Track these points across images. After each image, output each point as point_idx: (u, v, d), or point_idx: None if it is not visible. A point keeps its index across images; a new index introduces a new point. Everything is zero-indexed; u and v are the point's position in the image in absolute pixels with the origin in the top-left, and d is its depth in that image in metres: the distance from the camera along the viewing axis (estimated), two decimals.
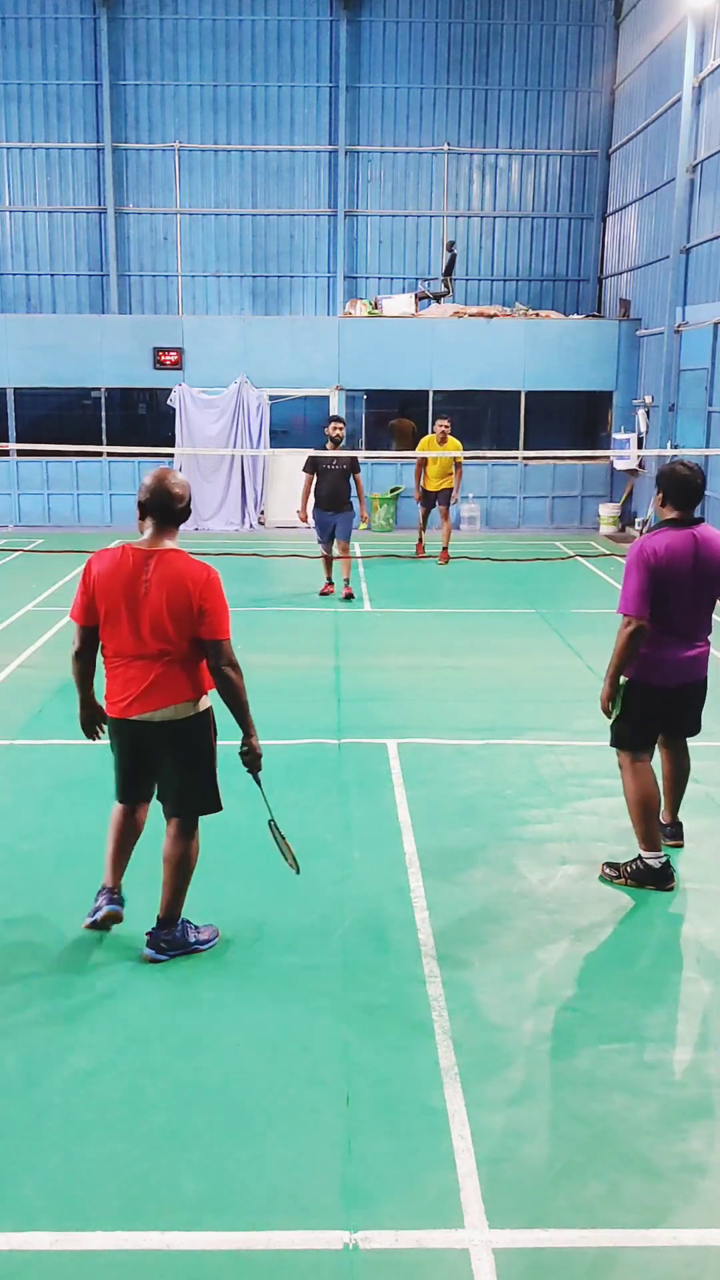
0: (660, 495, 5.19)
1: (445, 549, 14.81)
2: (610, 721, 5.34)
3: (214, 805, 4.76)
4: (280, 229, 21.41)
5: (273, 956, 4.69)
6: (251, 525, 18.62)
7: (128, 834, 4.92)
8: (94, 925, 4.79)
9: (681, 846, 5.79)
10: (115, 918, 4.82)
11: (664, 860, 5.31)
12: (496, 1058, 4.00)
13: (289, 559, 14.81)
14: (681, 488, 5.10)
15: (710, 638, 5.35)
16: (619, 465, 18.40)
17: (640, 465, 17.97)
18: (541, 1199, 3.32)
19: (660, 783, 5.58)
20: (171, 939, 4.68)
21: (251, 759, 4.66)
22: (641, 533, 17.70)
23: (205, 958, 4.67)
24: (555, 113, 21.01)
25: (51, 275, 21.51)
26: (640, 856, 5.33)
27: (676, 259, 16.28)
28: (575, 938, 4.87)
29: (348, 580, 12.43)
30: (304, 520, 12.42)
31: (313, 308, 21.58)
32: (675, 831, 5.82)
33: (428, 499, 14.98)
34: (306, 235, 21.42)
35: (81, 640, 4.62)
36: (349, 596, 12.29)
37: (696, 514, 5.17)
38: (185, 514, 4.56)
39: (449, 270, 19.64)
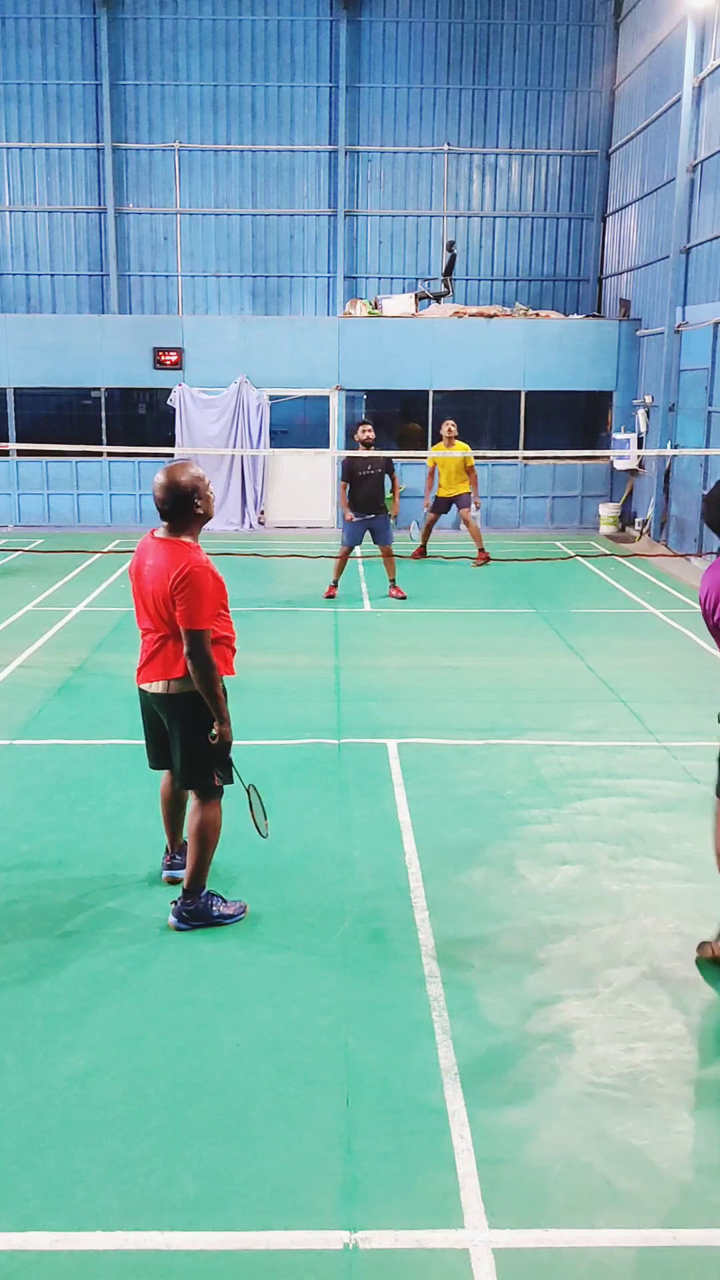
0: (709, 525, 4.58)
1: (481, 549, 14.77)
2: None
3: (205, 783, 4.87)
4: (280, 229, 21.41)
5: (273, 956, 4.69)
6: (251, 525, 18.62)
7: (169, 801, 5.29)
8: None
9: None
10: (170, 881, 5.27)
11: None
12: (496, 1058, 4.00)
13: (289, 559, 14.81)
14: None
15: None
16: (619, 465, 18.40)
17: (640, 465, 17.97)
18: (541, 1199, 3.32)
19: None
20: (194, 909, 4.88)
21: (220, 745, 4.81)
22: (641, 533, 17.70)
23: (205, 957, 4.67)
24: (555, 113, 21.00)
25: (51, 275, 21.51)
26: None
27: (676, 259, 16.28)
28: (575, 938, 4.87)
29: (395, 580, 12.41)
30: (349, 519, 12.23)
31: (313, 308, 21.58)
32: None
33: (440, 505, 14.87)
34: (306, 235, 21.41)
35: None
36: (403, 597, 12.27)
37: None
38: (178, 509, 4.73)
39: (449, 270, 19.63)
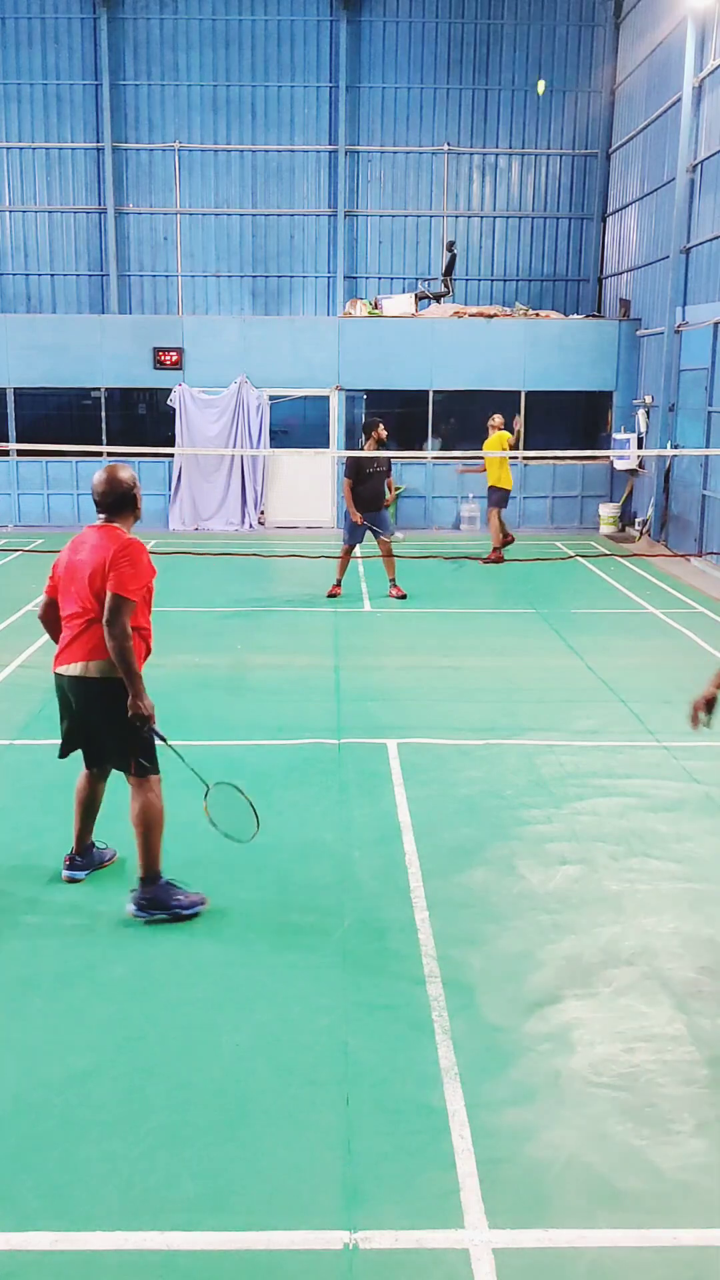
0: None
1: (496, 548, 14.90)
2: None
3: (138, 761, 4.91)
4: (280, 229, 21.41)
5: (272, 956, 4.69)
6: (251, 525, 18.62)
7: (85, 800, 5.35)
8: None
9: None
10: (70, 880, 5.30)
11: None
12: (496, 1058, 4.00)
13: (289, 559, 14.81)
14: None
15: None
16: (619, 465, 18.40)
17: (640, 465, 17.96)
18: (541, 1199, 3.32)
19: None
20: (151, 897, 4.89)
21: (137, 719, 4.83)
22: (641, 533, 17.70)
23: (205, 957, 4.67)
24: (555, 113, 21.00)
25: (51, 275, 21.51)
26: None
27: (676, 259, 16.27)
28: (575, 938, 4.87)
29: (395, 580, 12.43)
30: (360, 521, 12.27)
31: (313, 308, 21.58)
32: None
33: (504, 497, 14.92)
34: (306, 235, 21.41)
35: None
36: (403, 596, 12.28)
37: None
38: (124, 502, 5.14)
39: (449, 270, 19.64)
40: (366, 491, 12.19)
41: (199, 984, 4.47)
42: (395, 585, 12.43)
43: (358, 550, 12.72)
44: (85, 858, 5.37)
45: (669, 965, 4.64)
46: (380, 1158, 3.48)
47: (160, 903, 4.91)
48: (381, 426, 12.37)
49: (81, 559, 4.96)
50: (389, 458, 12.59)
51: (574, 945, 4.80)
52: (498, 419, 14.89)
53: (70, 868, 5.34)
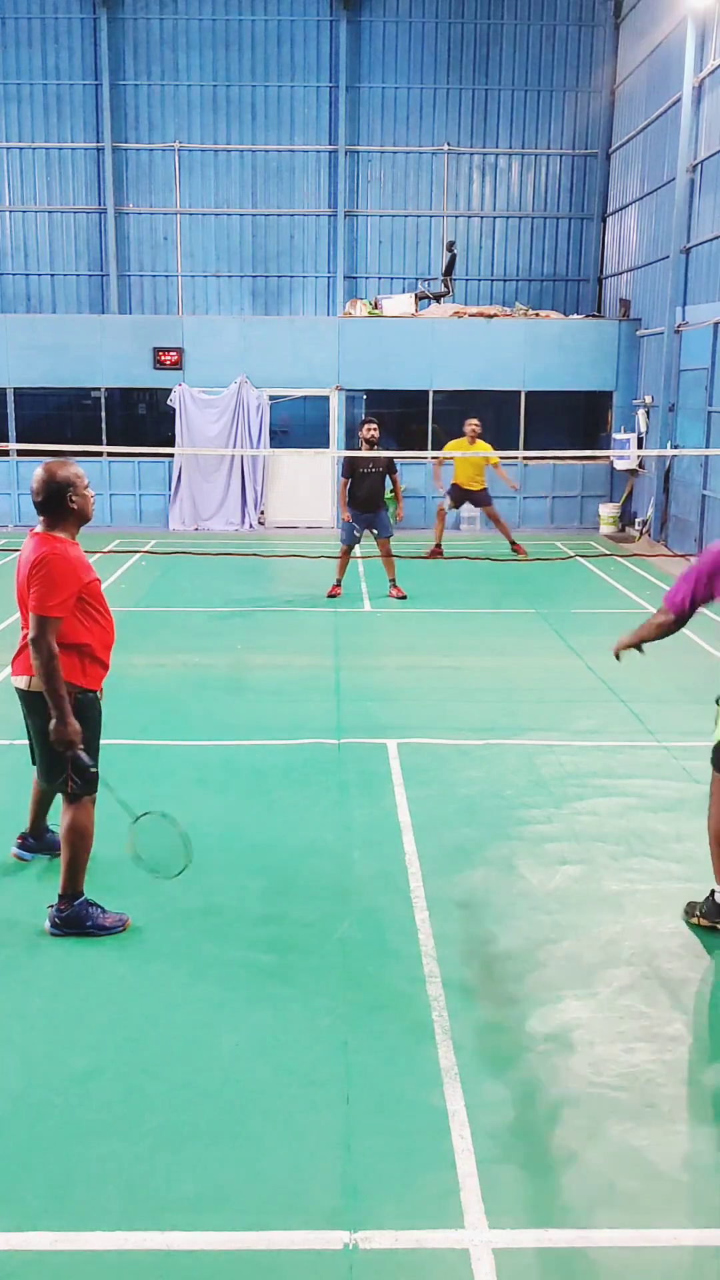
0: None
1: (513, 542, 14.89)
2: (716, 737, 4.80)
3: (61, 784, 4.78)
4: (280, 229, 21.41)
5: (273, 956, 4.69)
6: (251, 525, 18.62)
7: (40, 792, 5.45)
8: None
9: None
10: (17, 858, 5.51)
11: None
12: (496, 1058, 4.00)
13: (289, 559, 14.81)
14: None
15: None
16: (619, 465, 18.40)
17: (640, 465, 17.96)
18: (541, 1199, 3.32)
19: None
20: (68, 915, 4.80)
21: (60, 744, 4.60)
22: (641, 533, 17.70)
23: (205, 957, 4.67)
24: (555, 113, 21.01)
25: (51, 275, 21.51)
26: (714, 893, 4.91)
27: (676, 259, 16.28)
28: (575, 938, 4.87)
29: (394, 580, 12.43)
30: (347, 519, 12.31)
31: (313, 308, 21.58)
32: None
33: (461, 496, 14.80)
34: (306, 235, 21.41)
35: None
36: (403, 596, 12.29)
37: None
38: (55, 502, 4.74)
39: (449, 270, 19.64)
40: (362, 491, 12.20)
41: (199, 984, 4.47)
42: (395, 586, 12.43)
43: (358, 550, 12.72)
44: (37, 840, 5.52)
45: (669, 965, 4.64)
46: (380, 1158, 3.48)
47: (77, 921, 4.79)
48: (368, 426, 12.34)
49: (19, 568, 4.80)
50: (389, 457, 12.57)
51: (574, 945, 4.80)
52: (475, 425, 14.71)
53: (20, 846, 5.52)
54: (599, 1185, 3.37)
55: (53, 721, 4.56)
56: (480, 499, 14.83)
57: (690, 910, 5.01)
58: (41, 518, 4.76)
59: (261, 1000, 4.36)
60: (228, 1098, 3.77)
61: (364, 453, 12.22)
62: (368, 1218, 3.23)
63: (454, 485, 14.79)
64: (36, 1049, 4.04)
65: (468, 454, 14.41)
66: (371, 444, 12.26)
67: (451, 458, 14.64)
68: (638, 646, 5.02)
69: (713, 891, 4.93)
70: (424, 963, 4.62)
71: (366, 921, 4.98)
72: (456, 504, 15.04)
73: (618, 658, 5.16)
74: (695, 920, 4.95)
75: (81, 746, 4.65)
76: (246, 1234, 3.17)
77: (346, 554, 12.46)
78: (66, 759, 4.66)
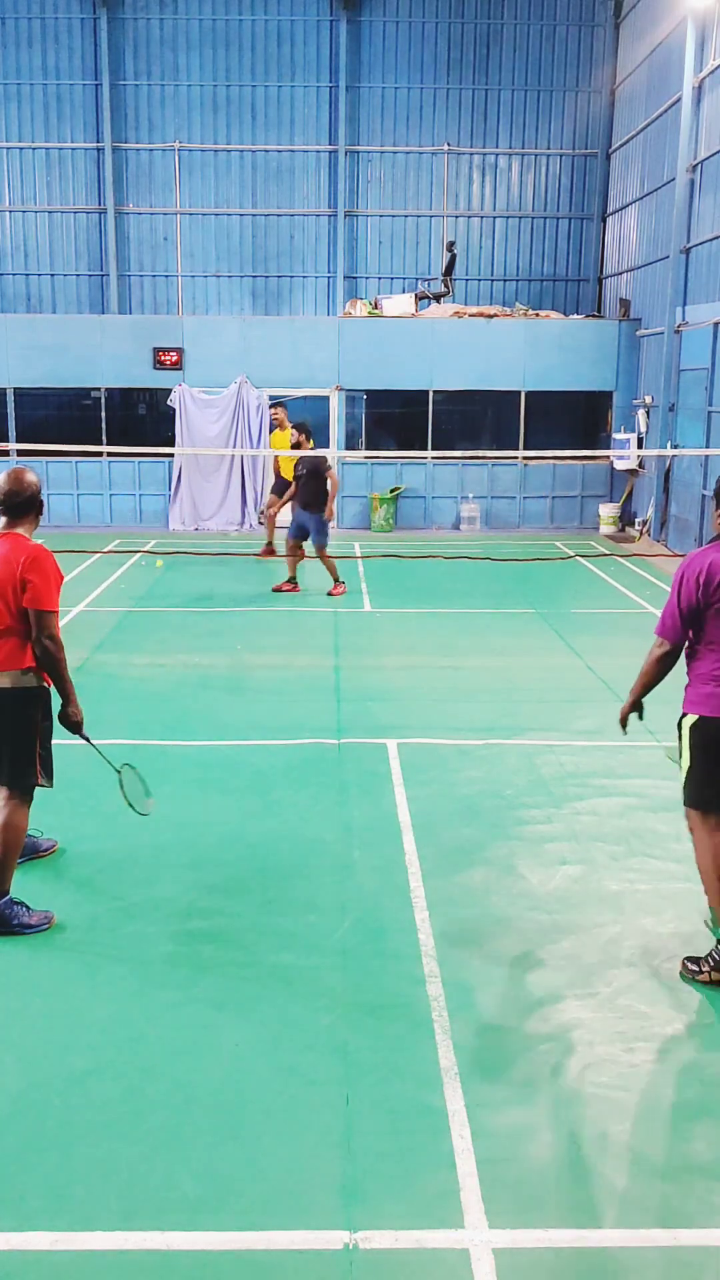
0: (718, 510, 4.53)
1: (270, 545, 14.79)
2: (681, 775, 4.60)
3: (29, 781, 4.93)
4: (280, 229, 21.40)
5: (272, 956, 4.69)
6: (251, 525, 18.62)
7: None
8: None
9: None
10: None
11: None
12: (496, 1058, 4.00)
13: (289, 559, 14.78)
14: None
15: None
16: (619, 465, 18.40)
17: (640, 465, 17.96)
18: (541, 1199, 3.32)
19: None
20: None
21: (68, 723, 4.96)
22: (641, 533, 17.70)
23: (205, 958, 4.67)
24: (555, 113, 21.00)
25: (51, 275, 21.51)
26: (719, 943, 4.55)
27: (676, 259, 16.27)
28: (575, 938, 4.87)
29: (336, 579, 12.69)
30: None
31: (313, 308, 21.58)
32: None
33: (285, 487, 14.48)
34: (306, 235, 21.41)
35: None
36: (340, 594, 12.51)
37: None
38: (29, 505, 4.92)
39: (449, 270, 19.64)
40: (298, 493, 12.52)
41: (199, 984, 4.47)
42: (337, 583, 12.58)
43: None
44: None
45: (669, 965, 4.64)
46: (380, 1158, 3.48)
47: (3, 920, 4.84)
48: (293, 429, 12.79)
49: None
50: (313, 457, 12.59)
51: (574, 945, 4.80)
52: (280, 413, 14.58)
53: None
54: (599, 1185, 3.37)
55: (64, 708, 4.89)
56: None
57: (696, 968, 4.52)
58: (8, 519, 4.89)
59: (261, 1000, 4.36)
60: (228, 1098, 3.77)
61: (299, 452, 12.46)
62: (368, 1218, 3.23)
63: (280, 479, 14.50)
64: (36, 1049, 4.04)
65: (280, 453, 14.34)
66: (299, 446, 12.51)
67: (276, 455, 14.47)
68: (639, 706, 4.72)
69: (717, 946, 4.53)
70: (424, 963, 4.62)
71: (366, 921, 4.98)
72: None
73: (624, 728, 4.82)
74: (702, 978, 4.49)
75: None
76: (246, 1234, 3.17)
77: (290, 548, 12.73)
78: (35, 752, 4.90)
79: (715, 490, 4.63)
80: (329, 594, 12.51)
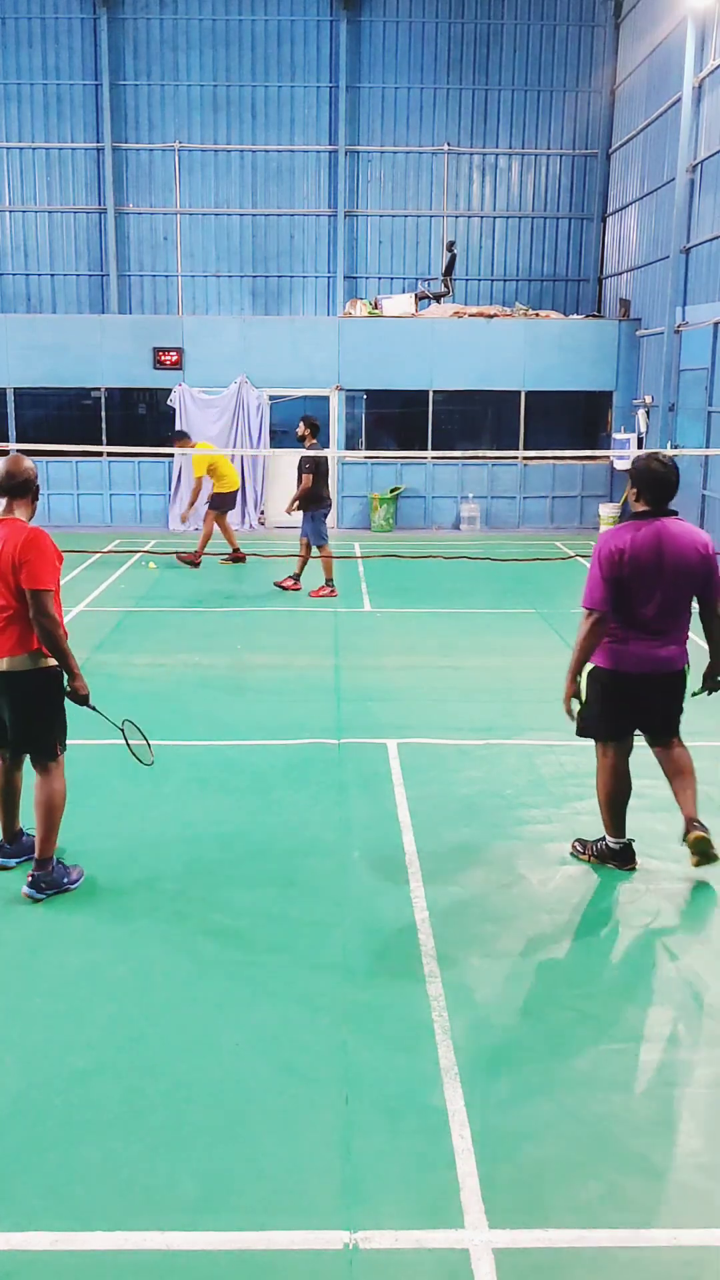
0: (634, 490, 5.22)
1: (196, 552, 14.46)
2: (576, 711, 5.34)
3: (50, 753, 5.12)
4: (280, 229, 21.41)
5: (272, 956, 4.69)
6: (251, 525, 18.62)
7: (5, 788, 5.50)
8: None
9: (705, 838, 5.23)
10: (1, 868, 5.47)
11: (624, 843, 5.51)
12: (496, 1058, 4.00)
13: (289, 559, 14.79)
14: (656, 483, 5.10)
15: (682, 632, 5.33)
16: (619, 465, 18.39)
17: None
18: (541, 1199, 3.32)
19: (669, 786, 5.54)
20: (50, 879, 5.12)
21: (75, 697, 5.11)
22: None
23: (206, 957, 4.67)
24: (555, 113, 21.01)
25: (51, 275, 21.51)
26: (604, 838, 5.56)
27: (676, 259, 16.28)
28: (575, 938, 4.87)
29: (329, 580, 12.76)
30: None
31: (313, 308, 21.58)
32: (700, 826, 5.29)
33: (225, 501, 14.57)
34: (306, 235, 21.41)
35: None
36: (325, 595, 12.61)
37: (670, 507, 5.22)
38: (27, 487, 5.15)
39: (449, 270, 19.64)
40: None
41: (199, 984, 4.47)
42: (326, 585, 12.63)
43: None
44: (14, 845, 5.54)
45: (669, 965, 4.64)
46: (380, 1158, 3.48)
47: (56, 882, 5.16)
48: (301, 423, 12.81)
49: None
50: (305, 456, 12.69)
51: (574, 945, 4.80)
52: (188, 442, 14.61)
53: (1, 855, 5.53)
54: (599, 1185, 3.37)
55: (70, 683, 5.04)
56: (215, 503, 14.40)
57: (581, 849, 5.60)
58: (6, 501, 5.06)
59: (261, 1000, 4.36)
60: (228, 1097, 3.76)
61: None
62: (368, 1218, 3.23)
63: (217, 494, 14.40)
64: (36, 1049, 4.04)
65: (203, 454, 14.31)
66: (302, 441, 12.61)
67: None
68: (577, 687, 5.24)
69: (603, 838, 5.55)
70: (424, 963, 4.62)
71: (366, 921, 4.98)
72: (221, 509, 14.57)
73: (570, 714, 5.34)
74: (584, 855, 5.57)
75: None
76: (246, 1234, 3.17)
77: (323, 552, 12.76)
78: (57, 727, 5.12)
79: (629, 471, 5.29)
80: (310, 594, 12.55)
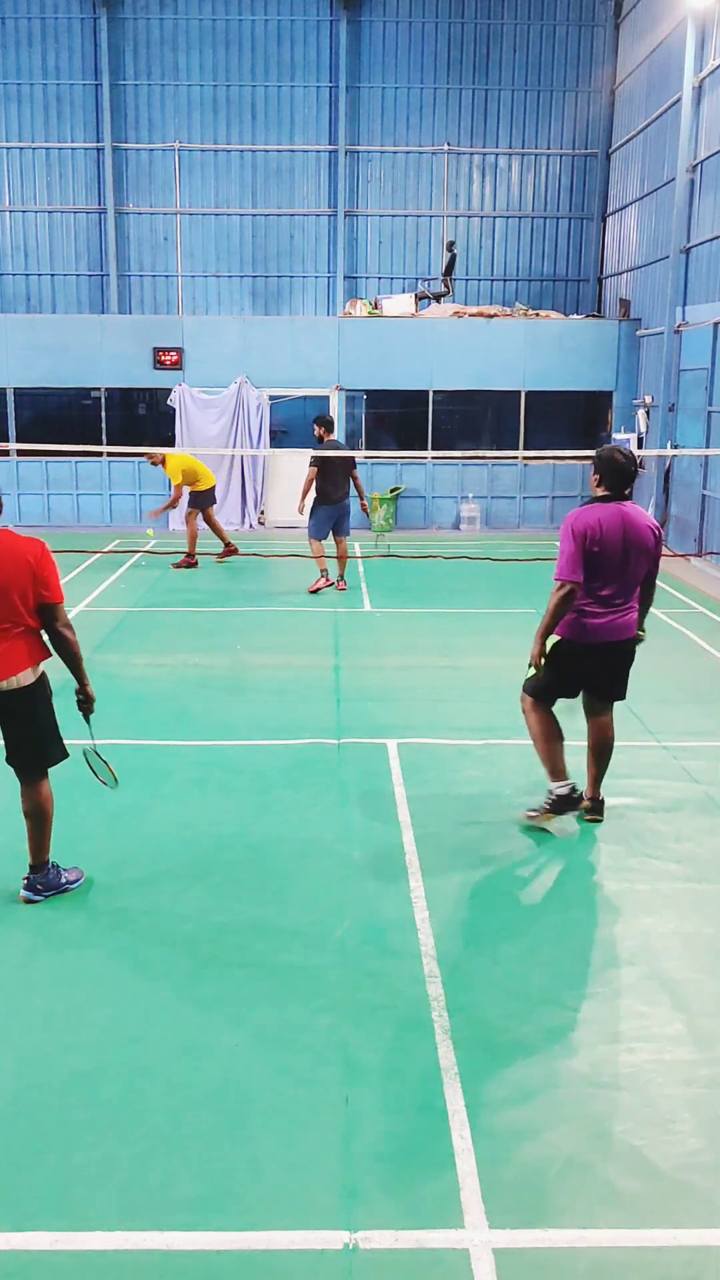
0: (596, 476, 5.80)
1: (188, 553, 14.49)
2: (530, 673, 5.92)
3: (50, 763, 5.13)
4: (280, 229, 21.41)
5: (272, 956, 4.68)
6: (251, 525, 18.63)
7: (34, 813, 5.33)
8: None
9: (599, 821, 6.08)
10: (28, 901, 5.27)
11: (569, 786, 5.91)
12: (496, 1058, 4.00)
13: (289, 559, 14.80)
14: (617, 472, 5.74)
15: (635, 603, 5.85)
16: None
17: (640, 465, 17.95)
18: (541, 1199, 3.32)
19: (586, 757, 6.17)
20: (46, 881, 5.15)
21: (86, 704, 5.16)
22: None
23: (205, 957, 4.67)
24: (555, 113, 21.00)
25: (51, 275, 21.51)
26: (549, 789, 5.96)
27: (676, 259, 16.27)
28: (576, 938, 4.87)
29: (341, 575, 12.99)
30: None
31: (313, 308, 21.58)
32: (596, 808, 6.12)
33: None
34: (306, 235, 21.41)
35: None
36: (339, 588, 12.87)
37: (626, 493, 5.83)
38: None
39: (449, 270, 19.64)
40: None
41: (198, 984, 4.47)
42: (339, 579, 12.90)
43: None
44: (42, 875, 5.26)
45: (669, 965, 4.64)
46: (380, 1158, 3.48)
47: (55, 884, 5.18)
48: (314, 423, 12.90)
49: None
50: (313, 454, 12.74)
51: (574, 945, 4.80)
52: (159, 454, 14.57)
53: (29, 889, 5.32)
54: (599, 1185, 3.37)
55: (82, 690, 5.09)
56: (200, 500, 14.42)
57: (534, 813, 6.02)
58: None
59: (261, 1000, 4.36)
60: (227, 1098, 3.76)
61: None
62: (368, 1218, 3.23)
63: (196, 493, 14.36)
64: (35, 1049, 4.04)
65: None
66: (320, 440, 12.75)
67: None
68: (544, 649, 5.77)
69: (549, 791, 5.96)
70: (424, 963, 4.62)
71: (366, 921, 4.98)
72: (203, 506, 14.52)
73: (537, 670, 5.85)
74: (538, 820, 5.98)
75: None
76: (246, 1234, 3.17)
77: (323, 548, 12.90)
78: (54, 734, 5.11)
79: (593, 457, 5.84)
80: (309, 589, 12.73)
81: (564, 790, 5.91)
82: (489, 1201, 3.29)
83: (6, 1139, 3.56)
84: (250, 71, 20.73)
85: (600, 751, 6.11)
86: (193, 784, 6.68)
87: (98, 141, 20.94)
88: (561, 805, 5.92)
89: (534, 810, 6.05)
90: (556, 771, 5.93)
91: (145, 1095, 3.77)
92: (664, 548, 16.59)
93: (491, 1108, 3.72)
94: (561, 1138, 3.58)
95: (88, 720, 5.23)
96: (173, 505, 14.59)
